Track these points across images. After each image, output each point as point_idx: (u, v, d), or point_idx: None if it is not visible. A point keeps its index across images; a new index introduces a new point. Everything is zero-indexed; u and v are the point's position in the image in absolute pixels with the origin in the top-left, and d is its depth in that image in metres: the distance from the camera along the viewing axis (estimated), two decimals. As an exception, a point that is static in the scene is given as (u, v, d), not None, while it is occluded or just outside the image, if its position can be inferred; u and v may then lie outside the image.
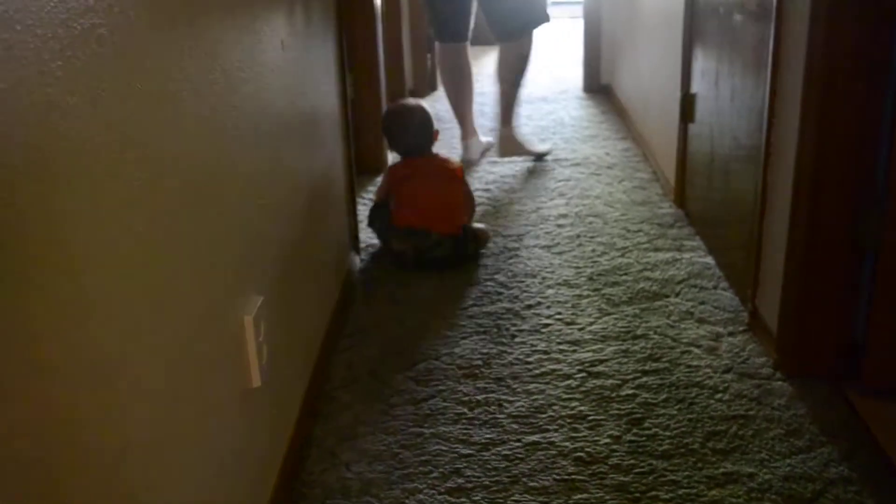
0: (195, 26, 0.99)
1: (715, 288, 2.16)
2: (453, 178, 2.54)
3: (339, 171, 2.16)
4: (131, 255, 0.79)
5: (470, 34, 3.51)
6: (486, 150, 3.55)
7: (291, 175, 1.56)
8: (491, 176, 3.19)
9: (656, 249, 2.42)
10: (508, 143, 3.38)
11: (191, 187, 0.97)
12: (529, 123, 4.01)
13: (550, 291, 2.17)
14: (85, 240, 0.70)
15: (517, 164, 3.32)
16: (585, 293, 2.15)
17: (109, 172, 0.75)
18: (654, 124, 3.28)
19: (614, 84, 4.47)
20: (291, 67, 1.54)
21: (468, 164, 3.34)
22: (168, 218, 0.89)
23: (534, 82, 5.00)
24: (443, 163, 2.58)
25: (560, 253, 2.42)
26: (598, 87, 4.68)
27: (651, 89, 3.34)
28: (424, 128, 2.59)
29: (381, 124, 2.78)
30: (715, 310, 2.04)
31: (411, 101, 2.76)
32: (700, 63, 2.51)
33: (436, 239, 2.38)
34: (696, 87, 2.57)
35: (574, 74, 5.18)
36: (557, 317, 2.03)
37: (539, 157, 3.40)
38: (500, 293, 2.17)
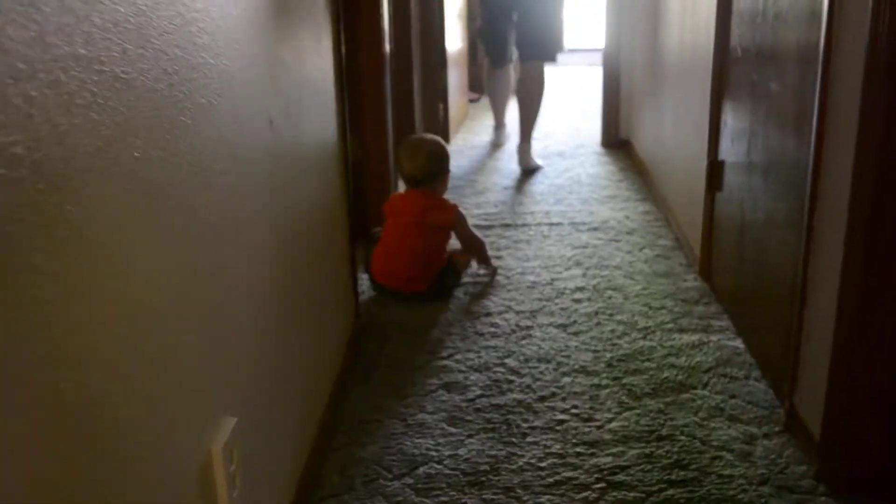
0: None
1: (747, 378, 2.00)
2: (439, 228, 2.57)
3: (337, 246, 2.04)
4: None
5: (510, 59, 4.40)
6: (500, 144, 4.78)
7: (277, 267, 1.43)
8: (503, 241, 3.06)
9: (681, 330, 2.27)
10: (525, 156, 4.13)
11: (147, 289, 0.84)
12: (545, 181, 3.89)
13: (566, 380, 2.02)
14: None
15: (531, 230, 3.19)
16: (605, 382, 2.00)
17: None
18: (676, 187, 3.15)
19: (634, 139, 4.36)
20: (280, 147, 1.43)
21: (496, 146, 4.76)
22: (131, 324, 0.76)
23: (550, 135, 4.91)
24: (431, 209, 2.55)
25: (577, 333, 2.27)
26: (617, 141, 4.57)
27: (674, 149, 3.21)
28: (429, 159, 2.57)
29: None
30: (747, 405, 1.88)
31: (430, 135, 2.77)
32: (730, 122, 2.38)
33: (404, 296, 2.53)
34: (724, 150, 2.44)
35: (592, 127, 5.08)
36: (574, 411, 1.88)
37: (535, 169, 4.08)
38: (511, 381, 2.02)
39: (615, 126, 4.58)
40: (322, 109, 1.81)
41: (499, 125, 4.85)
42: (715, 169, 2.50)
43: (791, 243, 1.80)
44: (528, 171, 4.07)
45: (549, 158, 4.33)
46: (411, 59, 4.15)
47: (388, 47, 3.03)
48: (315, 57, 1.72)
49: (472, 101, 6.18)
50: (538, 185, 3.84)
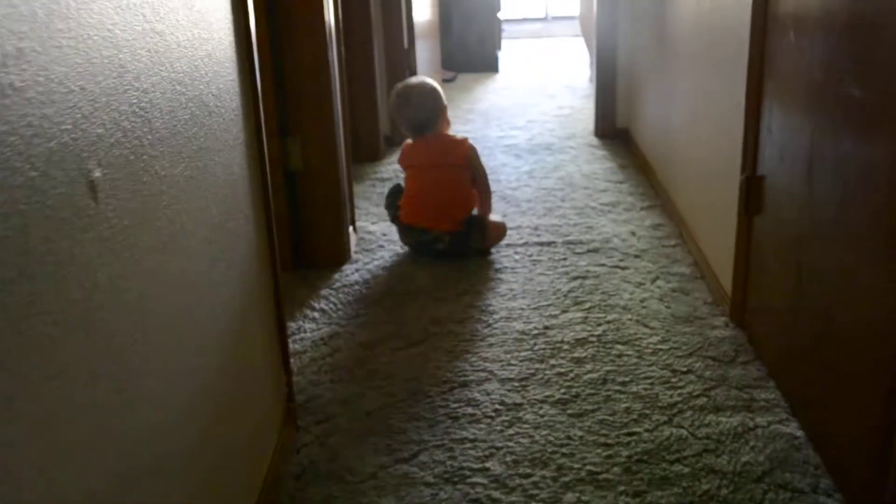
0: None
1: (814, 491, 1.52)
2: (455, 166, 2.63)
3: (253, 317, 1.51)
4: None
5: None
6: None
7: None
8: (482, 268, 2.55)
9: (717, 408, 1.78)
10: None
11: None
12: (532, 183, 3.38)
13: (570, 498, 1.52)
14: None
15: (517, 252, 2.67)
16: (622, 502, 1.50)
17: None
18: (694, 198, 2.64)
19: (634, 129, 3.84)
20: (121, 218, 0.90)
21: None
22: None
23: (535, 124, 4.38)
24: (447, 146, 2.66)
25: (580, 415, 1.77)
26: (614, 131, 4.06)
27: (688, 147, 2.70)
28: (426, 102, 2.62)
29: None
30: (824, 540, 1.40)
31: (416, 78, 2.79)
32: (776, 125, 1.88)
33: (435, 235, 2.58)
34: (767, 162, 1.94)
35: (583, 112, 4.57)
36: (583, 554, 1.38)
37: None
38: (497, 502, 1.52)
39: (611, 113, 4.07)
40: (215, 120, 1.27)
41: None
42: (754, 187, 2.00)
43: (886, 307, 1.31)
44: None
45: (536, 154, 3.82)
46: (370, 33, 3.61)
47: (332, 18, 2.47)
48: (194, 33, 1.19)
49: (446, 80, 5.61)
50: (524, 188, 3.32)
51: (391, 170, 3.64)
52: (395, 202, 2.72)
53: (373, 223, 3.00)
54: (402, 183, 2.78)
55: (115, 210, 0.88)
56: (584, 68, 6.15)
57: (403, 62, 3.99)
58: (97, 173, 0.84)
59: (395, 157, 3.84)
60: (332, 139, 2.50)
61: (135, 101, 0.94)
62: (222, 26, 1.31)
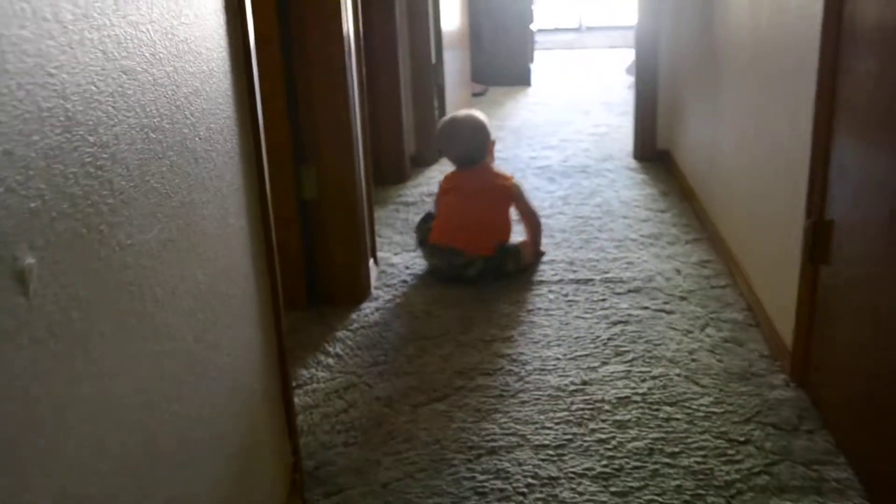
0: None
1: None
2: (498, 195, 2.63)
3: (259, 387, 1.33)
4: None
5: None
6: None
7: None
8: (511, 308, 2.35)
9: (781, 489, 1.56)
10: None
11: None
12: (567, 210, 3.18)
13: None
14: None
15: (552, 290, 2.47)
16: None
17: None
18: (744, 233, 2.43)
19: (676, 151, 3.63)
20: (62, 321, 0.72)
21: None
22: None
23: (569, 143, 4.18)
24: (492, 178, 2.67)
25: (625, 493, 1.57)
26: (654, 153, 3.84)
27: (739, 176, 2.49)
28: (475, 137, 2.65)
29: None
30: None
31: (464, 111, 2.81)
32: (851, 162, 1.67)
33: (467, 259, 2.50)
34: (838, 204, 1.73)
35: (620, 131, 4.37)
36: None
37: None
38: None
39: (651, 133, 3.85)
40: (203, 168, 1.09)
41: None
42: (821, 234, 1.79)
43: None
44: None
45: (571, 177, 3.62)
46: (395, 47, 3.44)
47: (349, 26, 2.28)
48: (176, 67, 1.01)
49: (476, 94, 5.42)
50: (558, 216, 3.12)
51: (417, 193, 3.46)
52: (425, 226, 2.67)
53: (395, 254, 2.81)
54: (434, 209, 2.77)
55: (57, 302, 0.70)
56: (622, 74, 5.94)
57: (431, 78, 3.81)
58: (28, 259, 0.66)
59: (421, 178, 3.67)
60: (351, 165, 2.32)
61: (88, 159, 0.76)
62: (215, 55, 1.13)
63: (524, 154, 4.05)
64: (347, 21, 2.26)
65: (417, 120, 3.82)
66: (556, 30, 8.87)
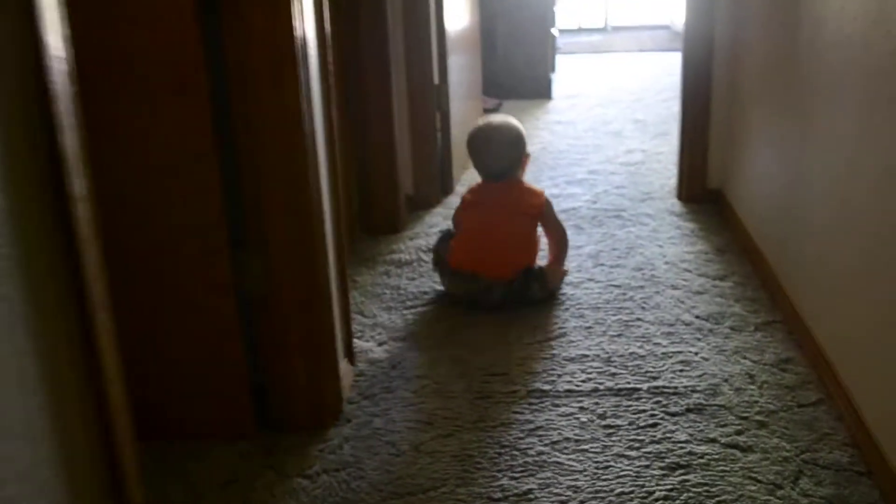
0: None
1: None
2: (526, 214, 2.46)
3: None
4: None
5: None
6: None
7: None
8: (523, 434, 1.77)
9: None
10: None
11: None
12: (598, 276, 2.59)
13: None
14: None
15: (583, 407, 1.89)
16: None
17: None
18: (844, 319, 1.83)
19: (733, 191, 3.02)
20: None
21: None
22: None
23: (600, 175, 3.57)
24: (521, 194, 2.50)
25: None
26: (704, 193, 3.24)
27: (834, 227, 1.89)
28: (509, 152, 2.48)
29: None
30: None
31: (500, 117, 2.59)
32: None
33: (487, 283, 2.34)
34: None
35: (659, 160, 3.77)
36: None
37: None
38: None
39: (701, 168, 3.24)
40: None
41: None
42: None
43: None
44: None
45: (603, 225, 3.03)
46: (388, 69, 2.87)
47: (299, 29, 1.69)
48: None
49: (488, 110, 4.83)
50: (588, 284, 2.54)
51: (413, 248, 2.88)
52: (444, 246, 2.50)
53: (380, 344, 2.23)
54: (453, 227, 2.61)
55: None
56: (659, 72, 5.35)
57: (432, 102, 3.23)
58: None
59: (420, 227, 3.10)
60: (310, 242, 1.75)
61: None
62: None
63: (546, 191, 3.45)
64: (295, 12, 1.68)
65: (416, 152, 3.23)
66: (580, 30, 8.27)
